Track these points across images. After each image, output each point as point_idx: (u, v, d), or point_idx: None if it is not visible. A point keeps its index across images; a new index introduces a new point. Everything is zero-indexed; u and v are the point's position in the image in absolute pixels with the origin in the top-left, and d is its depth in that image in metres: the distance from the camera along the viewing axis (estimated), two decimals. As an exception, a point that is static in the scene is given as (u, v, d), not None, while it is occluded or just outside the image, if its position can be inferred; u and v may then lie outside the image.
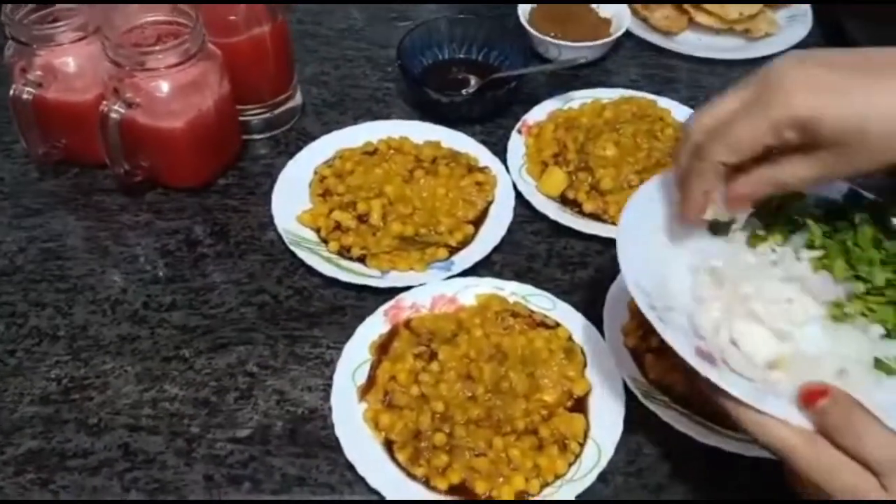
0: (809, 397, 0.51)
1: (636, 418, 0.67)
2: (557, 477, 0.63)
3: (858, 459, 0.48)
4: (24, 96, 0.78)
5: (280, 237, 0.79)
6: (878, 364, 0.55)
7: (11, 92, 0.78)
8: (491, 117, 0.92)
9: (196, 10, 0.77)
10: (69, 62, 0.79)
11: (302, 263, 0.77)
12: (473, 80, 0.94)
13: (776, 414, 0.51)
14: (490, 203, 0.82)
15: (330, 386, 0.68)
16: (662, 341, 0.54)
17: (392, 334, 0.71)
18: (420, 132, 0.88)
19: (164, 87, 0.77)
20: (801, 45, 1.01)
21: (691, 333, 0.57)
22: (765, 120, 0.51)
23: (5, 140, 0.89)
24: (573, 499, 0.62)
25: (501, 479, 0.63)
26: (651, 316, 0.54)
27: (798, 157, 0.53)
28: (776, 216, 0.62)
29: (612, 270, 0.75)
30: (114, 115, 0.76)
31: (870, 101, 0.50)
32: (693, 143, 0.56)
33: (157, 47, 0.76)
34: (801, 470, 0.50)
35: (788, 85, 0.51)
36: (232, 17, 0.83)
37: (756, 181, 0.55)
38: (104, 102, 0.76)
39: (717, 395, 0.52)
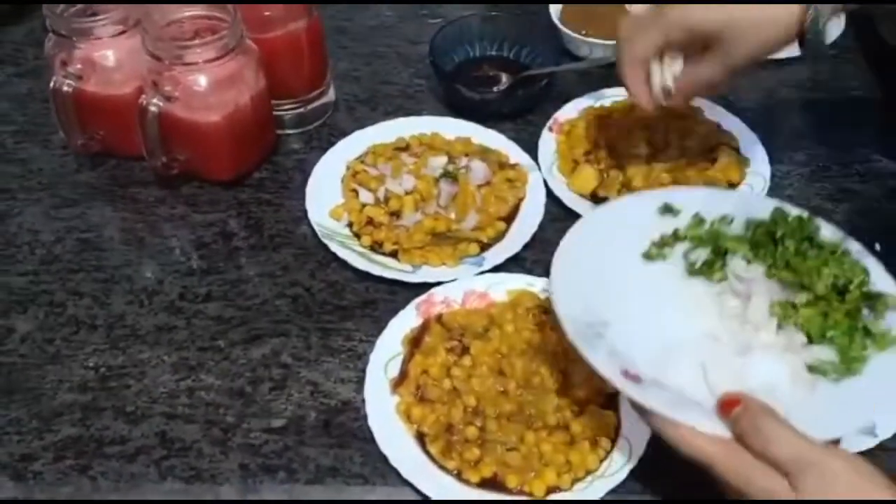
0: (725, 406, 0.55)
1: (667, 416, 0.67)
2: (588, 472, 0.64)
3: (769, 462, 0.52)
4: (65, 88, 0.79)
5: (313, 231, 0.80)
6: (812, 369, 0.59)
7: (51, 84, 0.80)
8: (522, 115, 0.92)
9: (234, 6, 0.78)
10: (108, 55, 0.80)
11: (335, 257, 0.78)
12: (505, 78, 0.95)
13: (694, 424, 0.54)
14: (521, 200, 0.83)
15: (362, 378, 0.69)
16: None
17: (424, 328, 0.72)
18: (451, 128, 0.89)
19: (203, 81, 0.78)
20: (834, 46, 1.00)
21: (623, 353, 0.59)
22: (655, 26, 0.70)
23: (44, 131, 0.91)
24: (600, 497, 0.63)
25: (533, 474, 0.63)
26: (577, 343, 0.58)
27: (700, 59, 0.70)
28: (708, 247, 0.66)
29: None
30: (153, 109, 0.77)
31: (725, 9, 0.66)
32: (619, 44, 0.73)
33: (196, 41, 0.77)
34: (722, 476, 0.53)
35: (673, 8, 0.68)
36: (268, 13, 0.84)
37: (682, 84, 0.72)
38: (143, 96, 0.78)
39: (642, 414, 0.57)
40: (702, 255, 0.66)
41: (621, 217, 0.68)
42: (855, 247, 0.65)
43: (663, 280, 0.65)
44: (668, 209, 0.68)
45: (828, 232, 0.66)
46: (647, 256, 0.67)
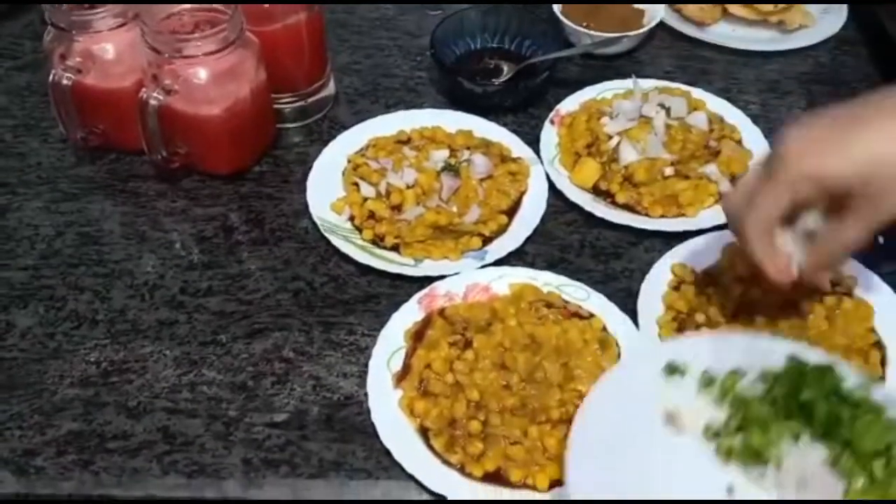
0: None
1: (671, 409, 0.67)
2: (592, 466, 0.63)
3: None
4: (64, 82, 0.79)
5: (314, 224, 0.79)
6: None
7: (50, 77, 0.79)
8: (524, 107, 0.92)
9: (234, -2, 0.78)
10: (108, 48, 0.80)
11: (336, 251, 0.78)
12: (506, 69, 0.94)
13: None
14: (523, 193, 0.82)
15: (365, 372, 0.69)
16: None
17: (426, 322, 0.72)
18: (452, 121, 0.88)
19: (203, 74, 0.77)
20: (836, 38, 1.00)
21: None
22: (781, 184, 0.56)
23: (42, 125, 0.90)
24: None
25: (536, 468, 0.63)
26: None
27: (836, 218, 0.57)
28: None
29: (646, 262, 0.76)
30: (153, 102, 0.76)
31: (867, 150, 0.54)
32: (731, 219, 0.62)
33: (196, 34, 0.77)
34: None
35: (794, 149, 0.55)
36: (268, 6, 0.83)
37: (818, 251, 0.60)
38: (143, 89, 0.77)
39: None
40: (734, 439, 0.57)
41: (626, 390, 0.61)
42: (880, 392, 0.59)
43: (690, 463, 0.57)
44: (673, 370, 0.61)
45: (849, 376, 0.59)
46: (665, 433, 0.59)
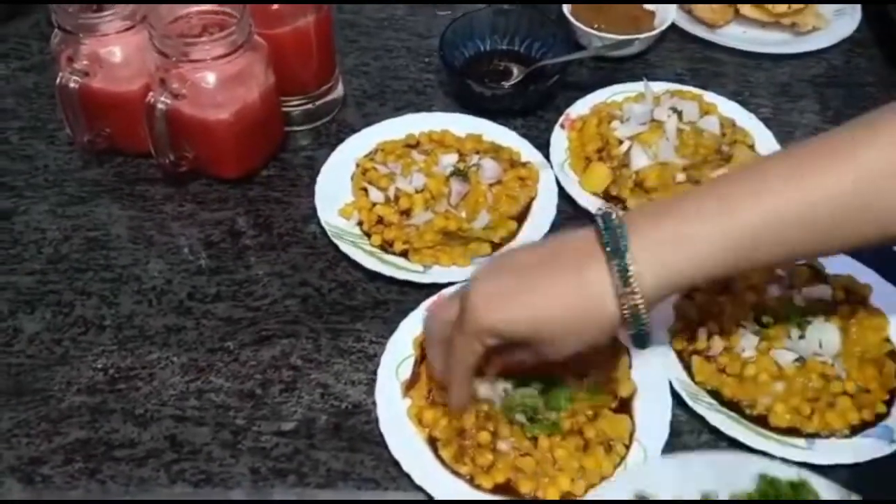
0: None
1: (683, 421, 0.66)
2: (603, 478, 0.63)
3: None
4: (71, 85, 0.78)
5: (323, 230, 0.79)
6: None
7: (58, 80, 0.79)
8: (533, 110, 0.91)
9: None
10: (115, 52, 0.79)
11: (345, 256, 0.77)
12: (516, 71, 0.93)
13: None
14: (533, 199, 0.82)
15: (373, 380, 0.69)
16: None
17: (435, 330, 0.71)
18: (462, 125, 0.88)
19: (211, 78, 0.76)
20: (849, 40, 0.99)
21: None
22: (470, 336, 0.59)
23: (49, 128, 0.90)
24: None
25: (546, 480, 0.62)
26: None
27: (515, 350, 0.60)
28: None
29: (658, 269, 0.75)
30: (160, 106, 0.76)
31: (543, 301, 0.57)
32: (431, 350, 0.65)
33: (204, 38, 0.76)
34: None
35: (479, 304, 0.58)
36: (276, 8, 0.82)
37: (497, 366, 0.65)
38: (150, 93, 0.76)
39: None
40: None
41: None
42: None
43: None
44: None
45: (823, 489, 0.59)
46: None
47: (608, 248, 0.56)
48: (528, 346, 0.59)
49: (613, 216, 0.57)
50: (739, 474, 0.60)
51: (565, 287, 0.57)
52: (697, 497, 0.59)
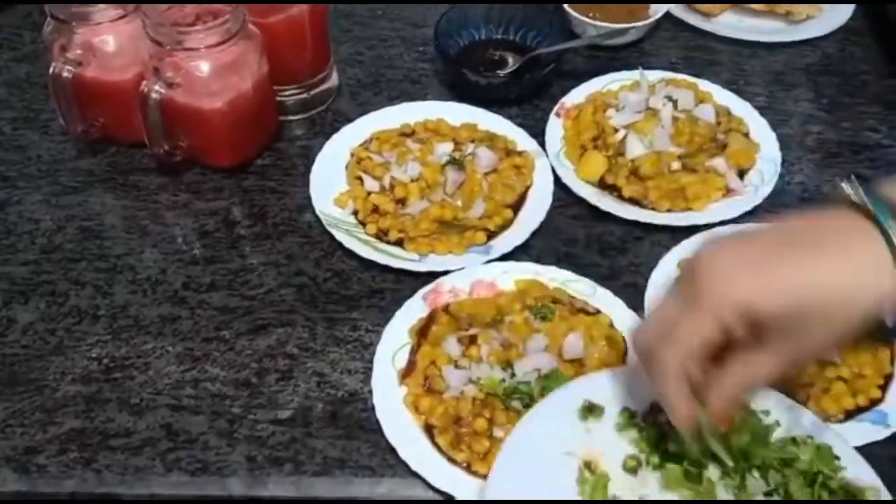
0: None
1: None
2: (599, 464, 0.63)
3: None
4: (64, 74, 0.78)
5: (318, 219, 0.79)
6: None
7: (51, 70, 0.78)
8: (529, 99, 0.91)
9: (237, -10, 0.77)
10: (108, 40, 0.79)
11: (340, 245, 0.77)
12: (511, 60, 0.93)
13: None
14: (528, 187, 0.82)
15: (369, 369, 0.69)
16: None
17: (431, 318, 0.71)
18: (457, 114, 0.87)
19: (205, 66, 0.76)
20: (843, 29, 0.99)
21: None
22: (706, 313, 0.49)
23: (42, 118, 0.89)
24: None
25: (543, 466, 0.63)
26: None
27: (753, 352, 0.51)
28: None
29: (653, 257, 0.75)
30: (154, 95, 0.75)
31: (799, 288, 0.48)
32: (644, 356, 0.54)
33: (198, 26, 0.76)
34: None
35: (719, 272, 0.49)
36: (270, -5, 0.82)
37: (726, 390, 0.52)
38: (144, 82, 0.76)
39: None
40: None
41: (541, 441, 0.58)
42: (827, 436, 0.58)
43: None
44: (589, 411, 0.59)
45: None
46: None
47: (877, 218, 0.49)
48: (780, 335, 0.49)
49: (864, 188, 0.51)
50: None
51: (832, 257, 0.49)
52: (646, 407, 0.59)
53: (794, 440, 0.58)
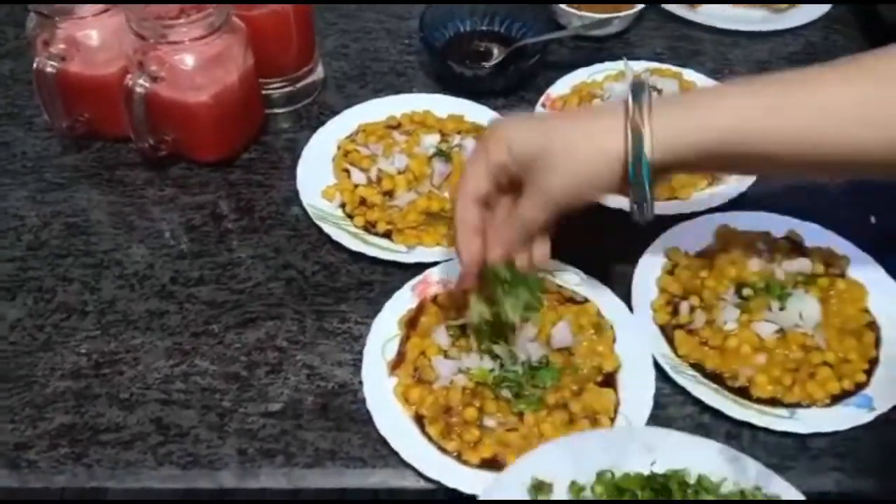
0: None
1: (666, 393, 0.67)
2: (588, 451, 0.63)
3: None
4: (48, 70, 0.78)
5: (305, 212, 0.79)
6: None
7: (34, 65, 0.78)
8: (514, 90, 0.91)
9: (220, -18, 0.77)
10: (92, 35, 0.79)
11: (328, 238, 0.77)
12: (496, 52, 0.93)
13: None
14: (515, 177, 0.82)
15: (359, 361, 0.69)
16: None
17: (420, 309, 0.71)
18: (443, 106, 0.88)
19: (189, 60, 0.76)
20: (826, 18, 1.00)
21: None
22: (479, 155, 0.62)
23: (27, 114, 0.89)
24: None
25: (533, 454, 0.63)
26: None
27: (520, 198, 0.63)
28: None
29: (640, 245, 0.76)
30: (139, 89, 0.75)
31: (550, 129, 0.61)
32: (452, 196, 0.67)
33: (182, 20, 0.76)
34: None
35: (497, 129, 0.63)
36: (254, -11, 0.82)
37: (501, 232, 0.64)
38: (129, 76, 0.76)
39: None
40: None
41: None
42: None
43: None
44: (539, 488, 0.59)
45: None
46: None
47: (630, 101, 0.59)
48: (531, 179, 0.61)
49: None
50: (629, 449, 0.60)
51: (576, 120, 0.63)
52: (593, 477, 0.59)
53: (742, 493, 0.58)
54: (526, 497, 0.59)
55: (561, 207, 0.62)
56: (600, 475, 0.60)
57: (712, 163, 0.65)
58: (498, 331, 0.67)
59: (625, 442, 0.61)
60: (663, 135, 0.58)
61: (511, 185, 0.63)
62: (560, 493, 0.59)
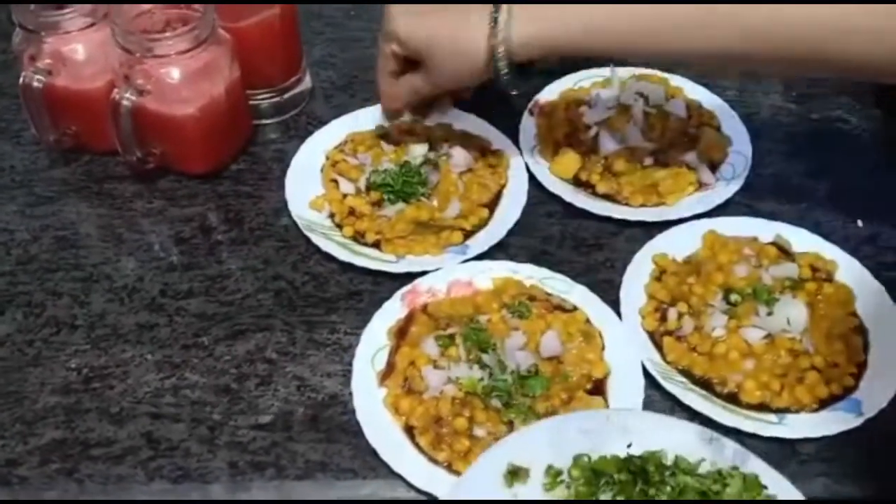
0: None
1: (656, 400, 0.67)
2: (578, 460, 0.64)
3: None
4: (34, 84, 0.78)
5: (294, 222, 0.79)
6: None
7: (21, 80, 0.78)
8: (502, 98, 0.91)
9: (206, -5, 0.77)
10: (78, 49, 0.78)
11: (317, 249, 0.77)
12: (483, 61, 0.93)
13: None
14: (503, 186, 0.82)
15: (349, 371, 0.69)
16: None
17: (409, 319, 0.71)
18: (431, 114, 0.88)
19: (175, 73, 0.76)
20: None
21: None
22: (383, 38, 0.78)
23: (14, 128, 0.89)
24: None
25: (523, 463, 0.63)
26: None
27: (413, 74, 0.79)
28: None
29: (627, 252, 0.76)
30: (125, 103, 0.75)
31: (436, 25, 0.74)
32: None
33: (167, 33, 0.76)
34: None
35: (391, 12, 0.76)
36: (240, 1, 0.82)
37: (398, 90, 0.82)
38: (115, 90, 0.76)
39: None
40: None
41: None
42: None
43: None
44: (515, 475, 0.59)
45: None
46: None
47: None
48: (422, 67, 0.77)
49: None
50: (605, 431, 0.61)
51: (456, 19, 0.73)
52: (570, 461, 0.60)
53: (719, 472, 0.59)
54: (502, 484, 0.59)
55: (444, 88, 0.80)
56: (577, 459, 0.60)
57: (566, 58, 0.83)
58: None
59: (601, 425, 0.61)
60: (521, 31, 0.70)
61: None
62: (537, 477, 0.59)
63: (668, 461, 0.59)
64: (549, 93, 0.90)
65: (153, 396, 0.69)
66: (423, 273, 0.74)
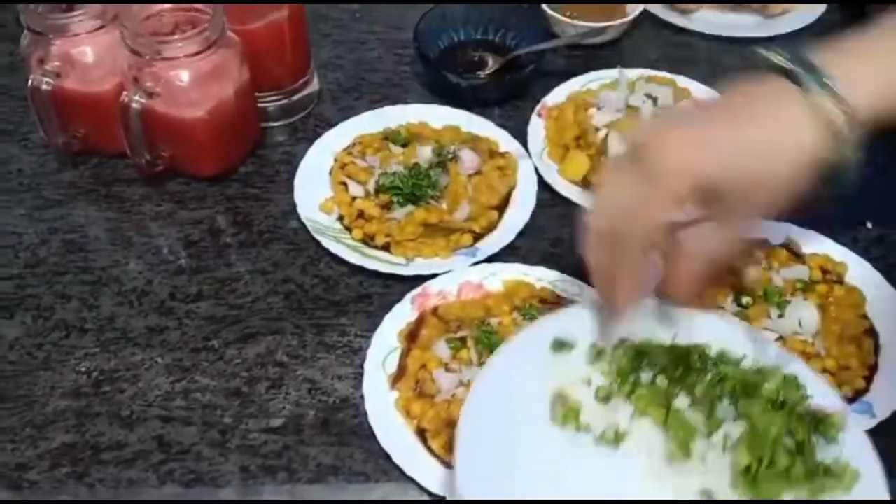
0: None
1: (667, 403, 0.67)
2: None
3: None
4: (43, 87, 0.77)
5: (303, 225, 0.79)
6: None
7: (29, 83, 0.78)
8: (510, 100, 0.91)
9: (215, -2, 0.77)
10: (87, 52, 0.78)
11: (326, 252, 0.77)
12: (491, 61, 0.94)
13: None
14: (512, 188, 0.82)
15: (360, 374, 0.69)
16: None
17: (420, 322, 0.71)
18: (439, 116, 0.88)
19: (185, 76, 0.76)
20: (818, 23, 1.00)
21: None
22: (665, 188, 0.52)
23: (23, 130, 0.89)
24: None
25: (535, 466, 0.63)
26: None
27: (703, 226, 0.55)
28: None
29: (638, 254, 0.76)
30: (135, 106, 0.75)
31: (738, 140, 0.52)
32: (605, 235, 0.55)
33: (177, 36, 0.76)
34: None
35: (673, 151, 0.52)
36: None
37: (688, 264, 0.56)
38: (124, 92, 0.76)
39: None
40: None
41: (513, 375, 0.58)
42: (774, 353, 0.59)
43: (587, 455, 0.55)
44: (560, 346, 0.60)
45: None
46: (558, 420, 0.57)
47: (798, 78, 0.53)
48: (728, 202, 0.53)
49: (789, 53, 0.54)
50: (652, 319, 0.60)
51: (760, 123, 0.53)
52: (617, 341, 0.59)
53: (760, 370, 0.58)
54: (547, 351, 0.59)
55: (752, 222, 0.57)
56: (621, 340, 0.59)
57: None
58: None
59: (648, 313, 0.60)
60: (864, 92, 0.53)
61: None
62: (580, 353, 0.59)
63: (712, 353, 0.59)
64: (557, 95, 0.90)
65: (164, 400, 0.69)
66: (434, 276, 0.74)
